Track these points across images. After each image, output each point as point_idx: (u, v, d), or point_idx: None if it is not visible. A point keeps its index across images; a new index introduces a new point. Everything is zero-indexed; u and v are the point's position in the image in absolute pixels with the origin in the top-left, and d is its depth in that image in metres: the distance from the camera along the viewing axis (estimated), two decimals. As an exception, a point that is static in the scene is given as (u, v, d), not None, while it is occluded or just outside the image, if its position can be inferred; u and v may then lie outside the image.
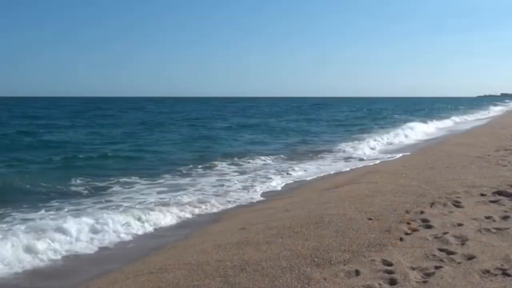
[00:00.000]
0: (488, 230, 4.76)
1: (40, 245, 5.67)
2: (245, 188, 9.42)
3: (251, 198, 8.54)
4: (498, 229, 4.77)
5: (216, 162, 12.84)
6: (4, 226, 6.59)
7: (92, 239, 6.13)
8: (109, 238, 6.21)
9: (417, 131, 22.08)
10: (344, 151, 15.47)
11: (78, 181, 10.07)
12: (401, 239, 4.60)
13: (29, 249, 5.59)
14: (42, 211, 7.50)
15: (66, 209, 7.63)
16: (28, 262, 5.34)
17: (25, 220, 6.90)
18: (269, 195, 8.75)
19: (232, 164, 12.79)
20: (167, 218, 7.16)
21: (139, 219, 6.92)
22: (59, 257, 5.57)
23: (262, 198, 8.52)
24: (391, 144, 17.82)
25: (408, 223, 5.10)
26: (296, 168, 11.72)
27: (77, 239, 6.05)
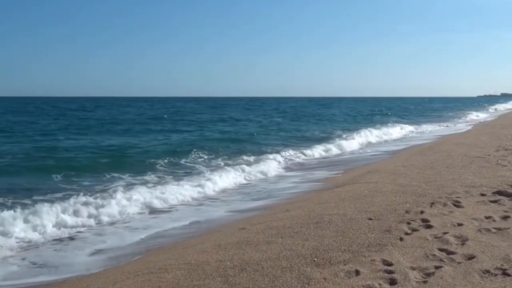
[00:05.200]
0: (488, 230, 4.76)
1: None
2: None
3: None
4: (498, 229, 4.77)
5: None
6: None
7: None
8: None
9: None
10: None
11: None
12: (401, 239, 4.60)
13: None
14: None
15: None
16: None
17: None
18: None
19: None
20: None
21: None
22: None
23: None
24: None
25: (408, 223, 5.10)
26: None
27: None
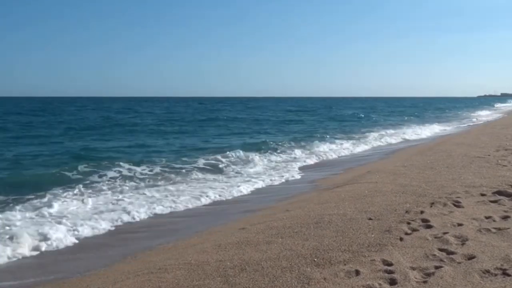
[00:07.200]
0: (488, 230, 4.76)
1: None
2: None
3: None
4: (498, 229, 4.77)
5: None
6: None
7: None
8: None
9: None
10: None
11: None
12: (401, 239, 4.60)
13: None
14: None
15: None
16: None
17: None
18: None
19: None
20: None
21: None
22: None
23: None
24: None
25: (408, 223, 5.10)
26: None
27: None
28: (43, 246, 5.97)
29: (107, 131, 25.26)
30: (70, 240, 6.25)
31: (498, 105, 78.52)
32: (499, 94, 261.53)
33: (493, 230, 4.74)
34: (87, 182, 10.26)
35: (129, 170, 11.65)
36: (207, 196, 8.84)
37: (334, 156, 15.14)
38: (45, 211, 7.52)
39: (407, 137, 21.41)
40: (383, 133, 23.51)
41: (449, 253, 4.17)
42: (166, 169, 12.00)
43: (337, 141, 18.86)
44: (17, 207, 7.75)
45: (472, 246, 4.29)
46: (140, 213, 7.62)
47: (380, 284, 3.60)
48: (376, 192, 6.88)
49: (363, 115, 45.19)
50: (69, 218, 7.24)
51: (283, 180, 10.58)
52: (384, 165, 10.52)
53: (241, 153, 14.57)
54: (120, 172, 11.38)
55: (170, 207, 8.08)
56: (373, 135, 22.22)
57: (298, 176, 11.06)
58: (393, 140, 19.94)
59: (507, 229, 4.74)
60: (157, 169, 11.93)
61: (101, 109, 59.88)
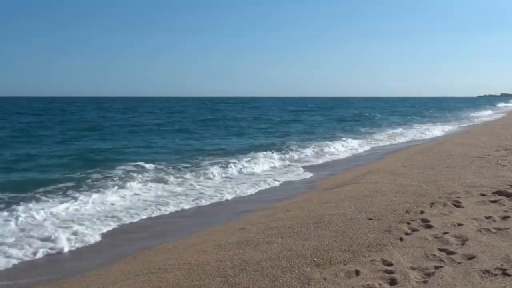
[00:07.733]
0: (488, 230, 4.76)
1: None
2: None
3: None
4: (498, 229, 4.77)
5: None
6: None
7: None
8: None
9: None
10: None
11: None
12: (401, 239, 4.60)
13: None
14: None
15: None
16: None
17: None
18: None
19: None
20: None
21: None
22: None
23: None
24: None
25: (408, 223, 5.10)
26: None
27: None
28: (43, 246, 5.97)
29: (108, 131, 25.27)
30: (70, 240, 6.24)
31: (500, 104, 78.41)
32: (499, 94, 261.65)
33: (493, 230, 4.74)
34: (87, 182, 10.23)
35: (129, 170, 11.62)
36: (207, 196, 8.85)
37: (338, 156, 15.12)
38: (45, 211, 7.51)
39: (411, 137, 21.62)
40: (390, 133, 23.78)
41: (449, 253, 4.17)
42: (166, 169, 11.99)
43: (340, 141, 18.80)
44: (17, 208, 7.74)
45: (472, 246, 4.30)
46: (140, 213, 7.63)
47: (380, 284, 3.60)
48: (376, 192, 6.88)
49: (367, 114, 45.19)
50: (69, 218, 7.26)
51: (284, 180, 10.59)
52: (384, 165, 10.52)
53: (243, 152, 14.57)
54: (120, 172, 11.36)
55: (170, 207, 8.09)
56: (377, 135, 22.38)
57: (299, 176, 11.07)
58: (398, 140, 20.12)
59: (507, 229, 4.74)
60: (157, 169, 11.92)
61: (101, 109, 59.86)
